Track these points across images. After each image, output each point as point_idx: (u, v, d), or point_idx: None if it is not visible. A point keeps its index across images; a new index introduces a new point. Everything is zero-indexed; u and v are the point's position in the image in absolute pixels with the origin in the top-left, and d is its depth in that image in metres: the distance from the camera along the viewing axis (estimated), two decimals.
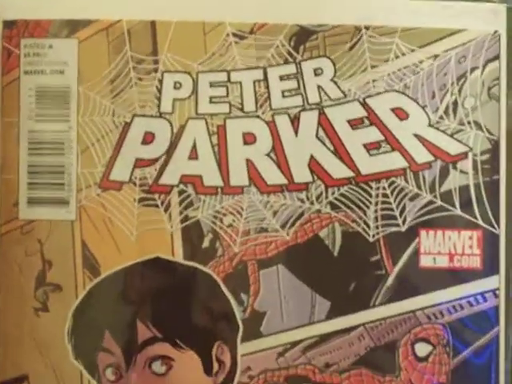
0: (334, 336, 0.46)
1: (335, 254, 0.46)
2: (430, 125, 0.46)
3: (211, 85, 0.46)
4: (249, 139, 0.46)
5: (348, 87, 0.46)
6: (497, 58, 0.46)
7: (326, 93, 0.46)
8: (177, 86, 0.46)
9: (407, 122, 0.46)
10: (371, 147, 0.46)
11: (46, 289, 0.47)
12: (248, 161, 0.46)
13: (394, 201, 0.46)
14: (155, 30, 0.46)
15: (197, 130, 0.46)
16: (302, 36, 0.46)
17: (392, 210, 0.46)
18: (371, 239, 0.46)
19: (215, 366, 0.46)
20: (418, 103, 0.46)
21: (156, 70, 0.46)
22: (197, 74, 0.46)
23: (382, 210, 0.46)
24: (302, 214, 0.46)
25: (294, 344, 0.46)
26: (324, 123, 0.46)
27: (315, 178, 0.46)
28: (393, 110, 0.46)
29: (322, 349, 0.46)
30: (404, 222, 0.46)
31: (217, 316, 0.46)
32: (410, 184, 0.46)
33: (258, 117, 0.46)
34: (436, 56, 0.46)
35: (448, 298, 0.46)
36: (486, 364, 0.46)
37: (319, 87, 0.46)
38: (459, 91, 0.46)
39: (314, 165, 0.46)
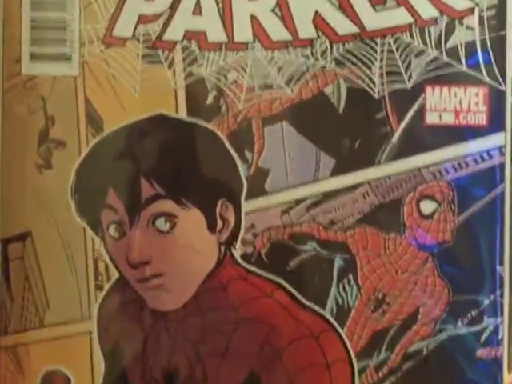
0: (338, 193, 0.46)
1: (340, 111, 0.46)
2: None
3: None
4: None
5: None
6: None
7: None
8: None
9: None
10: (376, 2, 0.45)
11: (49, 145, 0.46)
12: (252, 17, 0.46)
13: (400, 57, 0.46)
14: None
15: None
16: None
17: (397, 66, 0.46)
18: (376, 96, 0.46)
19: (219, 223, 0.46)
20: None
21: None
22: None
23: (388, 66, 0.46)
24: (306, 71, 0.46)
25: (298, 202, 0.46)
26: None
27: (320, 34, 0.46)
28: None
29: (326, 206, 0.46)
30: (409, 78, 0.46)
31: (220, 173, 0.46)
32: (416, 40, 0.45)
33: None
34: None
35: (453, 155, 0.46)
36: (491, 222, 0.46)
37: None
38: None
39: (318, 21, 0.46)
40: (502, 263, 0.46)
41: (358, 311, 0.46)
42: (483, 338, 0.46)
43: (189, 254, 0.46)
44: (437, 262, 0.46)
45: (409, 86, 0.46)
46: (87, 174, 0.46)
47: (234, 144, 0.46)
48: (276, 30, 0.46)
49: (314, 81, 0.46)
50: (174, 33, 0.46)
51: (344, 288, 0.46)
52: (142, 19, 0.46)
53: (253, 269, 0.46)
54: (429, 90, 0.46)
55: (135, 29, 0.46)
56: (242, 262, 0.46)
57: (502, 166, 0.46)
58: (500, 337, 0.46)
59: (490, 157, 0.46)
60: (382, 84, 0.46)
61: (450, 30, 0.46)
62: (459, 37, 0.46)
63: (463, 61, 0.45)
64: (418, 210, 0.46)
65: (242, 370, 0.46)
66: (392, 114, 0.46)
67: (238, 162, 0.46)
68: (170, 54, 0.46)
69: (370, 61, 0.46)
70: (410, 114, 0.46)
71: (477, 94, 0.46)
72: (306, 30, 0.46)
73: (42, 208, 0.46)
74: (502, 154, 0.46)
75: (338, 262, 0.46)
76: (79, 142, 0.46)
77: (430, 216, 0.46)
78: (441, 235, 0.46)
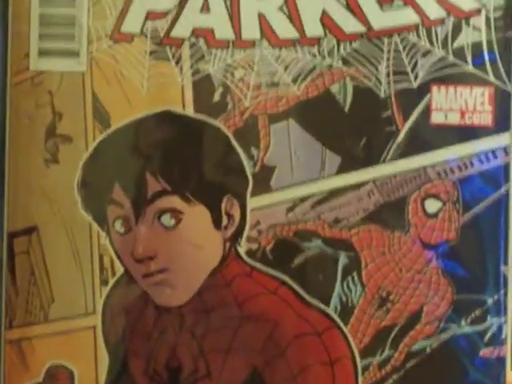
0: (343, 191, 0.46)
1: (346, 109, 0.46)
2: None
3: None
4: None
5: None
6: None
7: None
8: None
9: None
10: (384, 2, 0.46)
11: (56, 140, 0.47)
12: (260, 14, 0.46)
13: (406, 56, 0.46)
14: None
15: None
16: None
17: (404, 65, 0.46)
18: (382, 95, 0.46)
19: (224, 219, 0.46)
20: None
21: None
22: None
23: (394, 65, 0.46)
24: (313, 69, 0.46)
25: (304, 199, 0.46)
26: None
27: (327, 32, 0.46)
28: None
29: (331, 204, 0.46)
30: (416, 77, 0.46)
31: (226, 170, 0.46)
32: (422, 40, 0.46)
33: None
34: None
35: (458, 155, 0.46)
36: (495, 221, 0.46)
37: None
38: None
39: (326, 19, 0.46)
40: (506, 263, 0.46)
41: (362, 309, 0.46)
42: (487, 337, 0.46)
43: (194, 249, 0.46)
44: (441, 261, 0.46)
45: (415, 85, 0.46)
46: (93, 169, 0.47)
47: (239, 141, 0.46)
48: (283, 28, 0.46)
49: (321, 79, 0.46)
50: (182, 29, 0.46)
51: (348, 286, 0.46)
52: (150, 15, 0.46)
53: (257, 265, 0.46)
54: (435, 89, 0.46)
55: (143, 25, 0.46)
56: (246, 258, 0.46)
57: (507, 166, 0.46)
58: (503, 336, 0.46)
59: (495, 157, 0.46)
60: (389, 83, 0.46)
61: (456, 31, 0.46)
62: (466, 37, 0.46)
63: (469, 61, 0.46)
64: (423, 209, 0.46)
65: (245, 367, 0.46)
66: (398, 113, 0.46)
67: (244, 158, 0.46)
68: (177, 50, 0.46)
69: (377, 60, 0.46)
70: (416, 113, 0.46)
71: (482, 94, 0.46)
72: (314, 29, 0.46)
73: (49, 202, 0.47)
74: (507, 153, 0.46)
75: (342, 260, 0.46)
76: (86, 137, 0.47)
77: (435, 215, 0.46)
78: (445, 234, 0.46)
